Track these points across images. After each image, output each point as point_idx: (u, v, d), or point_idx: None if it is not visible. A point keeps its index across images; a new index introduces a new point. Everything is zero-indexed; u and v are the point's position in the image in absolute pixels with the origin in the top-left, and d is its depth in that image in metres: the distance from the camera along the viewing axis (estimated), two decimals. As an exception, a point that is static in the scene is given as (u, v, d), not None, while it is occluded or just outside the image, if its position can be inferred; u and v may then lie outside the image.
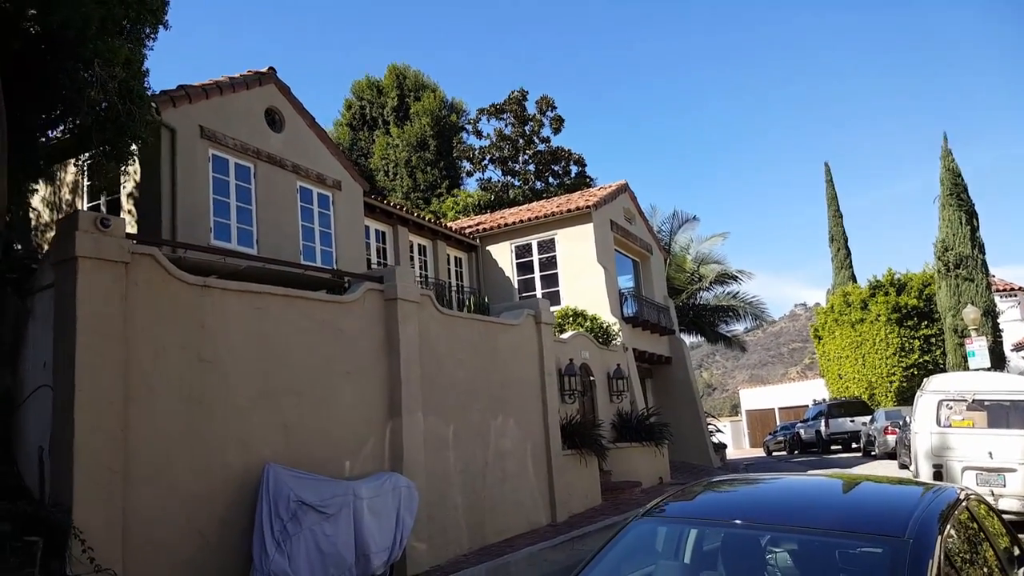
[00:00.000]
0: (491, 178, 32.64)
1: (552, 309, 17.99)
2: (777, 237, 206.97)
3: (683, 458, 22.85)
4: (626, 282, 24.03)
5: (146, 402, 6.75)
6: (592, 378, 16.35)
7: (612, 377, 16.92)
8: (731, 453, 41.23)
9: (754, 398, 50.31)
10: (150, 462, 6.67)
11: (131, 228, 12.12)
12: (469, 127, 33.81)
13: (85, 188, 13.03)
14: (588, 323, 17.11)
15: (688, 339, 32.09)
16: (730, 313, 28.80)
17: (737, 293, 28.88)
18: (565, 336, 15.53)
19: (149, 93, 7.58)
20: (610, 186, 22.76)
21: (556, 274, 20.05)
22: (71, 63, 6.11)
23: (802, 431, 32.76)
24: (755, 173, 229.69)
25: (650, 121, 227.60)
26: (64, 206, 13.26)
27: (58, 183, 13.43)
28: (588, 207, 19.52)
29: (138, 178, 12.24)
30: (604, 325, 17.52)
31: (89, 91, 6.09)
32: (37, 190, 13.77)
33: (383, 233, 17.94)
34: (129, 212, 12.27)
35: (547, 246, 20.39)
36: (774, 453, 36.73)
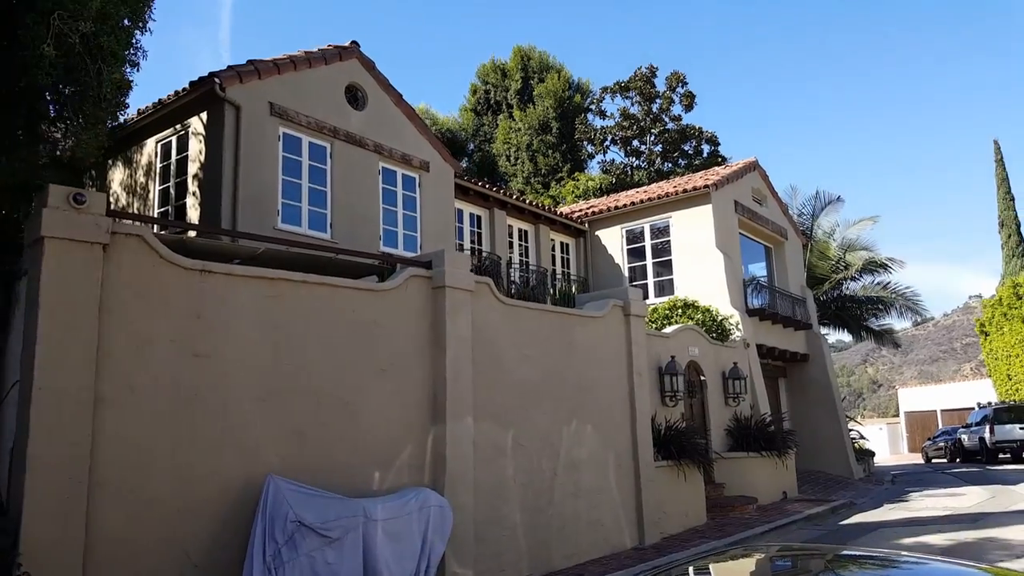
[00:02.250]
0: (614, 160, 30.87)
1: (660, 300, 16.27)
2: (945, 223, 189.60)
3: (820, 467, 20.39)
4: (758, 270, 21.73)
5: (124, 402, 5.90)
6: (703, 378, 14.49)
7: (728, 377, 14.97)
8: (885, 459, 37.37)
9: (914, 398, 45.47)
10: (125, 471, 5.83)
11: (194, 211, 11.70)
12: (593, 107, 32.14)
13: (158, 170, 12.75)
14: (700, 315, 15.23)
15: (832, 335, 29.06)
16: (880, 306, 25.53)
17: (888, 283, 25.56)
18: (669, 330, 13.78)
19: (135, 55, 6.72)
20: (736, 164, 20.52)
21: (670, 261, 18.18)
22: (33, 15, 5.32)
23: (965, 437, 28.94)
24: (913, 153, 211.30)
25: (794, 97, 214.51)
26: (139, 189, 13.06)
27: (135, 165, 13.26)
28: (707, 187, 17.52)
29: (203, 158, 11.74)
30: (719, 318, 15.55)
31: (43, 46, 5.27)
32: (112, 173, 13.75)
33: (478, 217, 16.85)
34: (193, 194, 11.82)
35: (661, 230, 18.56)
36: (933, 460, 32.84)
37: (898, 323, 28.61)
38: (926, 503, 14.88)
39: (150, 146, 12.99)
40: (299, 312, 7.06)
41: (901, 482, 20.80)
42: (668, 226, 18.29)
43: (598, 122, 31.81)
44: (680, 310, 15.27)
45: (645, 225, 18.72)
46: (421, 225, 14.29)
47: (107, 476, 5.70)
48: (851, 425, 22.79)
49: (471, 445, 8.15)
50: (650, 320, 15.25)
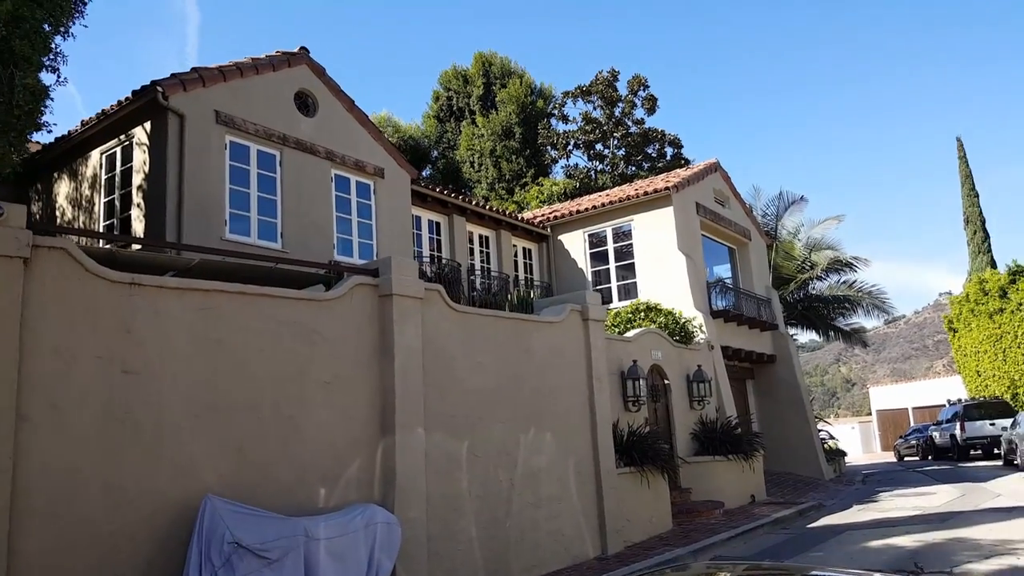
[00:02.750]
0: (577, 164, 30.94)
1: (623, 304, 16.27)
2: (912, 222, 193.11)
3: (790, 469, 20.53)
4: (723, 271, 21.89)
5: (48, 421, 5.69)
6: (667, 381, 14.49)
7: (692, 380, 14.99)
8: (858, 458, 37.81)
9: (886, 397, 46.09)
10: (50, 493, 5.61)
11: (139, 223, 11.47)
12: (555, 112, 32.21)
13: (103, 182, 12.48)
14: (663, 318, 15.24)
15: (801, 335, 29.33)
16: (846, 305, 25.83)
17: (854, 282, 25.87)
18: (631, 334, 13.76)
19: (54, 60, 6.50)
20: (697, 166, 20.65)
21: (633, 264, 18.21)
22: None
23: (936, 435, 29.36)
24: (876, 153, 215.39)
25: (758, 99, 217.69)
26: (84, 202, 12.78)
27: (80, 178, 12.97)
28: (667, 188, 17.59)
29: (147, 169, 11.51)
30: (682, 321, 15.58)
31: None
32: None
33: (437, 224, 16.75)
34: (137, 206, 11.58)
35: (624, 234, 18.60)
36: (905, 458, 33.29)
37: (867, 321, 28.99)
38: (896, 503, 15.00)
39: (95, 158, 12.74)
40: (237, 325, 6.90)
41: (872, 482, 21.01)
42: (630, 229, 18.33)
43: (561, 127, 31.92)
44: (643, 313, 15.28)
45: (608, 228, 18.74)
46: (377, 233, 14.16)
47: (31, 499, 5.49)
48: (820, 425, 22.96)
49: (423, 457, 8.02)
50: (613, 324, 15.25)
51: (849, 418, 52.92)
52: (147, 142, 11.66)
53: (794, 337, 26.86)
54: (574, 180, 29.71)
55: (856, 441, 43.42)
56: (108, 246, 10.66)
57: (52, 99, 11.63)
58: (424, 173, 34.99)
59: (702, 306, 17.23)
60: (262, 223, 12.29)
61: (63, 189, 13.41)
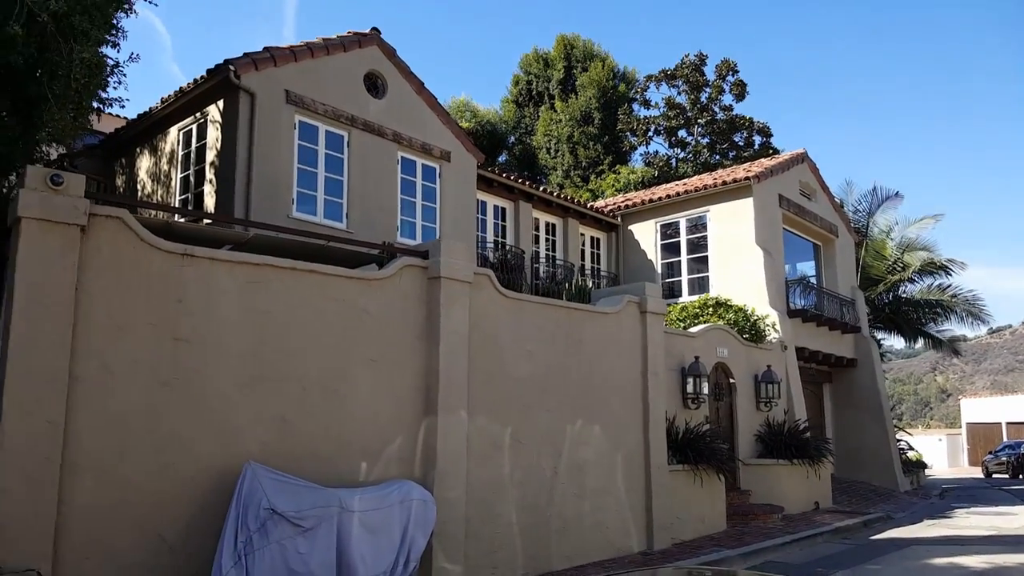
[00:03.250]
0: (657, 152, 30.48)
1: (694, 298, 16.04)
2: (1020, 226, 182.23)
3: (864, 478, 19.87)
4: (808, 269, 21.27)
5: (100, 384, 6.08)
6: (732, 380, 14.23)
7: (760, 380, 14.67)
8: (943, 472, 36.25)
9: (978, 409, 43.93)
10: (99, 452, 6.00)
11: (210, 199, 11.98)
12: (637, 97, 31.81)
13: (180, 158, 13.08)
14: (732, 314, 14.95)
15: (888, 340, 28.20)
16: (939, 310, 24.65)
17: (948, 286, 24.67)
18: (695, 330, 13.57)
19: (115, 35, 6.84)
20: (782, 156, 20.07)
21: (706, 257, 17.89)
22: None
23: (1029, 453, 27.83)
24: (983, 150, 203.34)
25: (854, 92, 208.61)
26: (162, 176, 13.42)
27: (159, 153, 13.63)
28: (748, 178, 17.17)
29: (219, 146, 12.01)
30: (753, 318, 15.23)
31: (11, 24, 5.39)
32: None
33: (503, 209, 16.85)
34: (210, 182, 12.10)
35: (698, 225, 18.28)
36: (994, 475, 31.74)
37: (963, 329, 27.64)
38: (971, 521, 14.35)
39: (173, 134, 13.36)
40: (285, 299, 7.17)
41: (951, 496, 20.14)
42: (706, 220, 17.99)
43: (642, 112, 31.50)
44: (711, 309, 15.02)
45: (681, 219, 18.45)
46: (440, 216, 14.37)
47: (81, 456, 5.88)
48: (900, 435, 22.09)
49: (464, 440, 8.16)
50: (680, 319, 15.06)
51: (943, 430, 50.61)
52: (220, 120, 12.16)
53: (881, 342, 25.90)
54: (652, 168, 29.28)
55: (943, 454, 41.59)
56: (165, 217, 11.22)
57: (124, 74, 12.30)
58: (500, 159, 35.18)
59: (778, 304, 16.79)
60: (328, 203, 12.66)
61: (144, 164, 14.12)
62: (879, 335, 25.75)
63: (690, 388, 12.48)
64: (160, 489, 6.25)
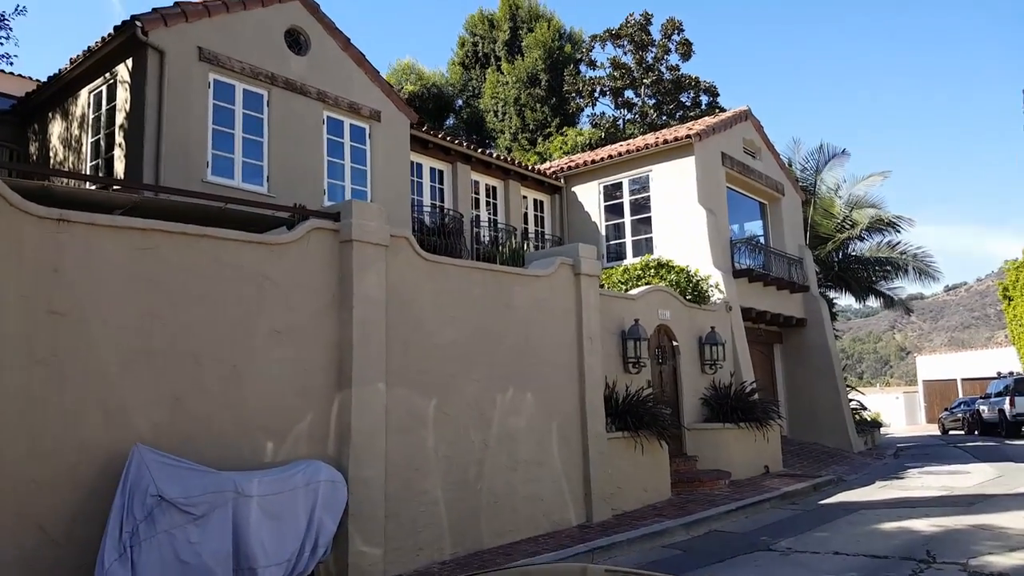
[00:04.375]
0: (604, 113, 30.12)
1: (637, 260, 15.79)
2: (976, 186, 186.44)
3: (817, 439, 20.02)
4: (756, 229, 21.20)
5: (-40, 364, 5.54)
6: (675, 343, 14.05)
7: (704, 343, 14.52)
8: (900, 430, 37.04)
9: (934, 366, 44.95)
10: (-39, 440, 5.49)
11: (120, 164, 11.33)
12: (583, 58, 31.30)
13: (90, 121, 12.35)
14: (674, 276, 14.73)
15: (842, 299, 28.41)
16: (888, 267, 24.87)
17: (897, 244, 24.86)
18: (635, 292, 13.32)
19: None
20: (725, 114, 19.83)
21: (650, 218, 17.64)
22: None
23: (984, 408, 28.51)
24: (935, 109, 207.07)
25: (802, 46, 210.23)
26: (73, 142, 12.68)
27: (70, 117, 12.87)
28: (689, 136, 16.90)
29: (128, 108, 11.32)
30: (695, 279, 15.04)
31: None
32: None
33: (440, 172, 16.36)
34: (119, 146, 11.43)
35: (641, 185, 18.00)
36: (950, 432, 32.46)
37: (914, 287, 28.15)
38: (923, 481, 14.44)
39: (83, 97, 12.64)
40: (177, 267, 6.68)
41: (906, 456, 20.40)
42: (648, 181, 17.73)
43: (588, 73, 31.02)
44: (653, 270, 14.79)
45: (624, 179, 18.16)
46: (371, 179, 13.86)
47: (-63, 446, 5.37)
48: (853, 395, 22.30)
49: (383, 414, 7.79)
50: (621, 281, 14.82)
51: (896, 388, 51.73)
52: (128, 80, 11.46)
53: (834, 301, 26.07)
54: (599, 130, 28.92)
55: (900, 412, 42.55)
56: (76, 185, 10.56)
57: (9, 27, 11.45)
58: (448, 122, 34.50)
59: (722, 264, 16.64)
60: (247, 166, 12.06)
61: (56, 129, 13.36)
62: (831, 294, 25.93)
63: (630, 352, 12.25)
64: (39, 477, 5.77)
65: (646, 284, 14.25)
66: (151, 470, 5.88)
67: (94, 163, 12.18)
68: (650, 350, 13.20)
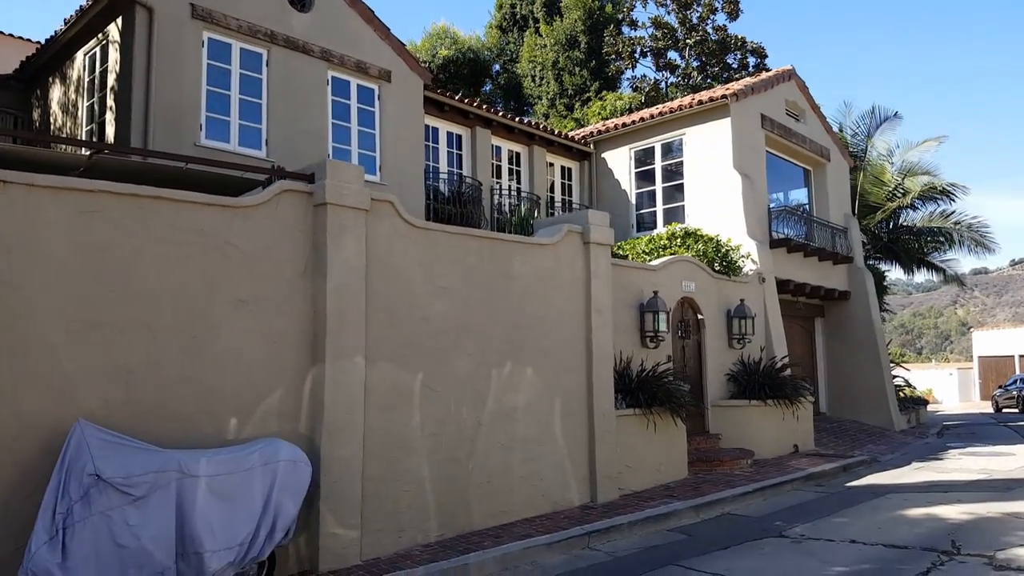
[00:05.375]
0: (645, 76, 28.96)
1: (662, 229, 14.99)
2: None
3: (857, 416, 19.10)
4: (802, 197, 20.14)
5: None
6: (700, 316, 13.28)
7: (733, 316, 13.71)
8: (953, 407, 35.54)
9: (991, 342, 43.02)
10: None
11: (111, 127, 10.96)
12: (624, 17, 30.11)
13: (85, 85, 12.02)
14: (702, 245, 13.90)
15: (893, 272, 26.99)
16: (941, 238, 23.47)
17: (951, 213, 23.42)
18: (657, 262, 12.57)
19: None
20: (764, 73, 18.71)
21: (682, 184, 16.76)
22: None
23: (1040, 386, 26.97)
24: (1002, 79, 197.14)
25: (858, 11, 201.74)
26: (70, 107, 12.38)
27: (68, 81, 12.56)
28: (724, 97, 15.92)
29: (118, 69, 10.92)
30: (724, 249, 14.18)
31: None
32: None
33: (458, 137, 15.70)
34: (110, 109, 11.05)
35: (673, 150, 17.09)
36: (1004, 410, 30.95)
37: (967, 259, 26.68)
38: (962, 463, 13.49)
39: (79, 59, 12.31)
40: (129, 231, 6.22)
41: (950, 435, 19.30)
42: (681, 144, 16.80)
43: (630, 34, 29.81)
44: (680, 240, 13.97)
45: (656, 144, 17.25)
46: (381, 143, 13.29)
47: None
48: (897, 370, 21.17)
49: (361, 390, 7.29)
50: (645, 252, 14.05)
51: (950, 364, 49.76)
52: (119, 40, 11.06)
53: (886, 273, 24.79)
54: (640, 94, 27.84)
55: (954, 389, 40.84)
56: (74, 152, 10.21)
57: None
58: (485, 88, 33.69)
59: (758, 233, 15.71)
60: (244, 129, 11.60)
61: (56, 94, 13.09)
62: (882, 266, 24.66)
63: (648, 325, 11.55)
64: (-29, 454, 5.42)
65: (672, 254, 13.46)
66: (91, 447, 5.46)
67: (89, 128, 11.85)
68: (672, 324, 12.48)
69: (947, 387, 40.84)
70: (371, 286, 7.52)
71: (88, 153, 7.18)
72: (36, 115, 13.79)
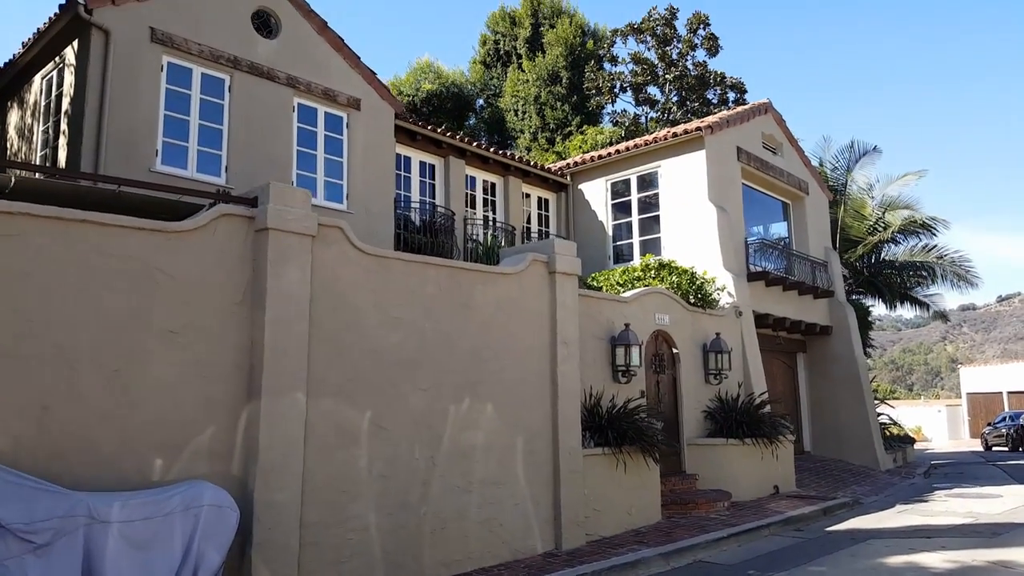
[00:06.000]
0: (625, 110, 28.89)
1: (638, 261, 14.65)
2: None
3: (841, 456, 18.65)
4: (782, 230, 19.89)
5: None
6: (675, 351, 12.88)
7: (709, 350, 13.32)
8: (942, 445, 35.10)
9: (979, 378, 42.70)
10: None
11: (64, 152, 10.58)
12: (604, 53, 30.13)
13: (42, 109, 11.66)
14: (676, 277, 13.55)
15: (878, 308, 26.71)
16: (923, 272, 23.26)
17: (933, 247, 23.23)
18: (629, 294, 12.19)
19: None
20: (740, 107, 18.57)
21: (658, 216, 16.46)
22: None
23: (1029, 424, 26.61)
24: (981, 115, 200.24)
25: (838, 46, 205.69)
26: (26, 131, 12.01)
27: (25, 105, 12.21)
28: (699, 129, 15.71)
29: (72, 92, 10.57)
30: (699, 281, 13.83)
31: None
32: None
33: (431, 166, 15.39)
34: (63, 133, 10.67)
35: (649, 182, 16.84)
36: (993, 448, 30.56)
37: (951, 293, 26.53)
38: (948, 505, 13.02)
39: (37, 83, 11.99)
40: (49, 256, 5.81)
41: (937, 475, 18.84)
42: (656, 177, 16.55)
43: (610, 69, 29.81)
44: (654, 271, 13.62)
45: (632, 176, 17.00)
46: (348, 171, 12.96)
47: None
48: (882, 408, 20.78)
49: (301, 428, 6.82)
50: (619, 283, 13.68)
51: (939, 401, 49.39)
52: (75, 63, 10.73)
53: (870, 308, 24.51)
54: (620, 128, 27.74)
55: (942, 426, 40.44)
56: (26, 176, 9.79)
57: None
58: (468, 123, 33.60)
59: (735, 266, 15.41)
60: (203, 155, 11.24)
61: (13, 118, 12.73)
62: (867, 301, 24.41)
63: (620, 360, 11.13)
64: None
65: (647, 286, 13.10)
66: (-9, 490, 4.99)
67: (43, 153, 11.47)
68: (645, 358, 12.07)
69: (936, 424, 40.44)
70: (316, 316, 7.09)
71: (10, 175, 6.77)
72: (-6, 141, 13.41)
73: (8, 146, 12.66)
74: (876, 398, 20.12)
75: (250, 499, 6.40)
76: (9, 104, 12.91)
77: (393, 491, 7.53)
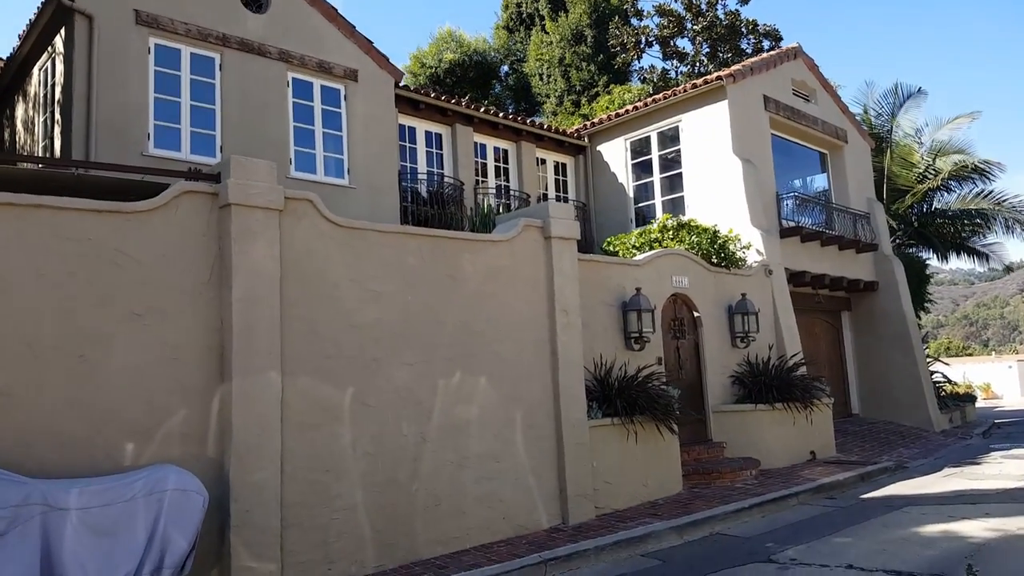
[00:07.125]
0: (652, 66, 28.19)
1: (656, 222, 14.33)
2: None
3: (892, 417, 18.12)
4: (822, 182, 19.26)
5: None
6: (696, 314, 12.58)
7: (734, 313, 12.98)
8: (1014, 402, 33.87)
9: (1054, 333, 40.86)
10: None
11: (58, 140, 10.76)
12: (629, 7, 29.40)
13: (41, 99, 11.87)
14: (697, 237, 13.19)
15: (934, 260, 25.73)
16: (979, 220, 22.28)
17: (989, 193, 22.20)
18: (641, 257, 11.93)
19: None
20: (766, 54, 17.92)
21: (681, 174, 16.06)
22: None
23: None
24: None
25: None
26: (30, 123, 12.26)
27: (28, 98, 12.46)
28: (720, 79, 15.22)
29: (62, 81, 10.72)
30: (722, 240, 13.44)
31: None
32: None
33: (437, 136, 15.23)
34: (57, 122, 10.84)
35: (670, 138, 16.41)
36: (1071, 406, 29.32)
37: (1010, 241, 25.29)
38: (1003, 468, 12.45)
39: (35, 75, 12.22)
40: (5, 241, 5.86)
41: (999, 435, 18.16)
42: (678, 132, 16.12)
43: (636, 24, 29.08)
44: (672, 232, 13.28)
45: (652, 133, 16.60)
46: (349, 145, 12.91)
47: None
48: (936, 366, 20.07)
49: (277, 408, 6.83)
50: (635, 246, 13.39)
51: (1010, 356, 47.59)
52: (63, 51, 10.87)
53: (927, 260, 23.62)
54: (648, 84, 27.09)
55: (1014, 383, 38.96)
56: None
57: None
58: (494, 91, 33.28)
59: (764, 222, 14.95)
60: (196, 136, 11.31)
61: (19, 112, 13.03)
62: (923, 254, 23.50)
63: (632, 326, 10.90)
64: None
65: (664, 248, 12.79)
66: (-55, 481, 5.09)
67: (44, 143, 11.68)
68: (663, 323, 11.82)
69: (1007, 381, 39.02)
70: (287, 293, 7.07)
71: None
72: (7, 133, 13.75)
73: (17, 138, 12.96)
74: (929, 356, 19.40)
75: (227, 481, 6.44)
76: (16, 98, 13.20)
77: (381, 469, 7.51)
